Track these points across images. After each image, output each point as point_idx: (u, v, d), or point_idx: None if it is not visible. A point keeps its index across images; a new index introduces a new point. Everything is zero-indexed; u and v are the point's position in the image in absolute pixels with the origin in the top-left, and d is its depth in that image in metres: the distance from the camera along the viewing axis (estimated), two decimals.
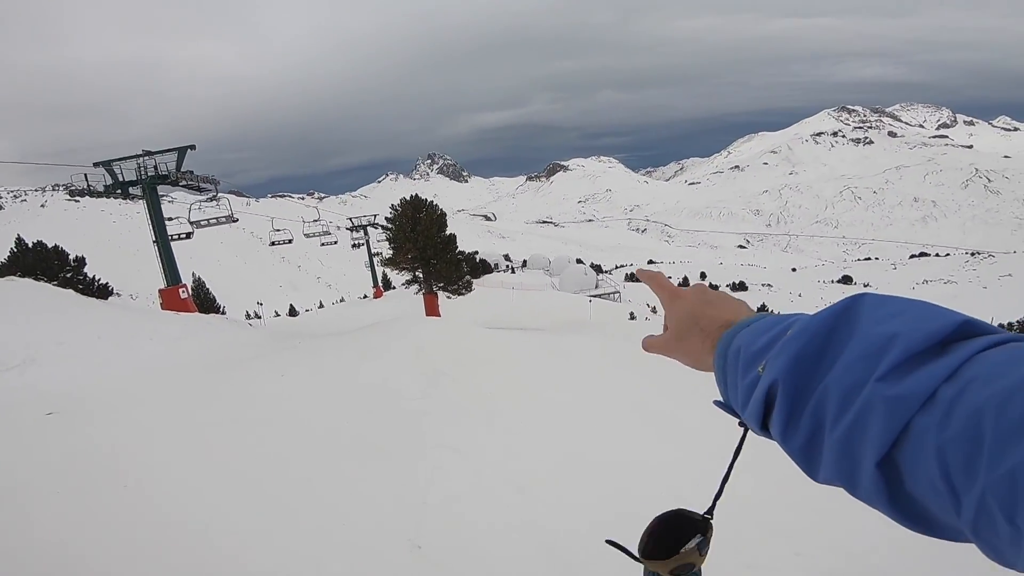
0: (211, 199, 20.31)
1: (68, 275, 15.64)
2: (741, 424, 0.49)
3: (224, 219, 20.29)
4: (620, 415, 5.70)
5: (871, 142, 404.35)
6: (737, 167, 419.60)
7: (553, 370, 7.61)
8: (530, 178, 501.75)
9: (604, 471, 4.22)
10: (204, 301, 26.53)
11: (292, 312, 44.30)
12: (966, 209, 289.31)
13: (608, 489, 3.95)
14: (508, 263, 72.99)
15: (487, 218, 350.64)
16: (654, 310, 40.86)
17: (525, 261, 74.09)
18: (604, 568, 3.07)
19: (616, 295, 46.89)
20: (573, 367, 8.08)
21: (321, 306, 49.21)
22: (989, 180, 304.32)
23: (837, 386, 0.35)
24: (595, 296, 40.78)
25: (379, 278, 38.49)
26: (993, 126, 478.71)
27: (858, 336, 0.36)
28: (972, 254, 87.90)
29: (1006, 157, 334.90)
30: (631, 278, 69.62)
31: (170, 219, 18.85)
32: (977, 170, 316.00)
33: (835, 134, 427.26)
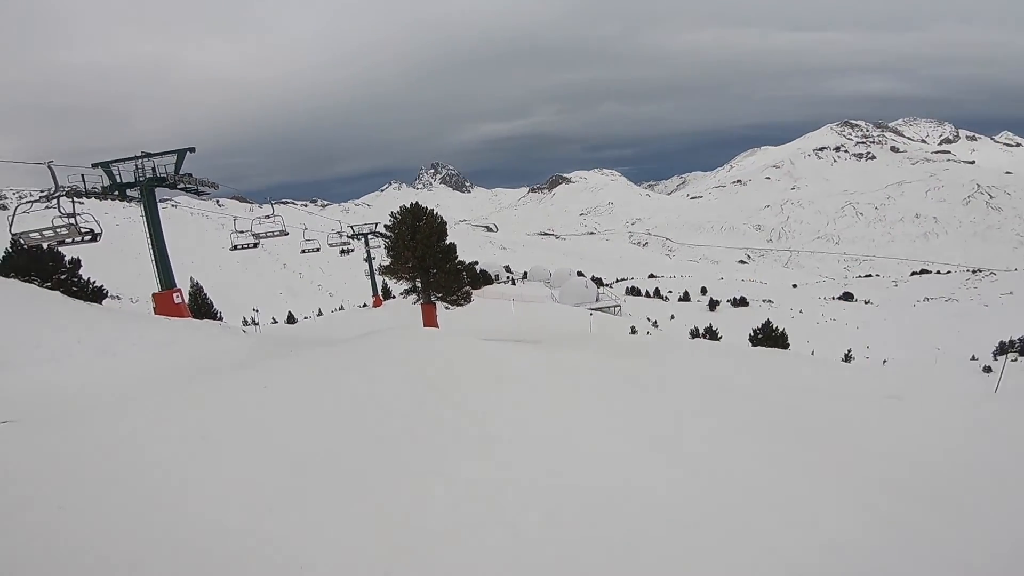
0: (268, 217, 22.15)
1: (62, 277, 15.43)
2: None
3: (278, 232, 21.95)
4: (623, 445, 5.33)
5: (873, 157, 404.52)
6: (739, 181, 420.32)
7: (554, 391, 7.32)
8: (532, 189, 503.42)
9: (609, 511, 3.79)
10: (201, 306, 26.31)
11: (290, 319, 44.06)
12: (967, 226, 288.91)
13: (614, 532, 3.51)
14: (509, 274, 72.71)
15: (488, 229, 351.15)
16: (655, 324, 40.59)
17: (526, 273, 73.82)
18: None
19: (617, 308, 46.59)
20: (575, 388, 7.80)
21: (320, 314, 48.95)
22: (991, 196, 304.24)
23: None
24: (596, 309, 40.58)
25: (379, 287, 38.30)
26: (995, 141, 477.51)
27: None
28: (973, 271, 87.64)
29: (1008, 173, 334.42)
30: (632, 291, 69.32)
31: (241, 232, 21.37)
32: (979, 186, 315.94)
33: (837, 149, 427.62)
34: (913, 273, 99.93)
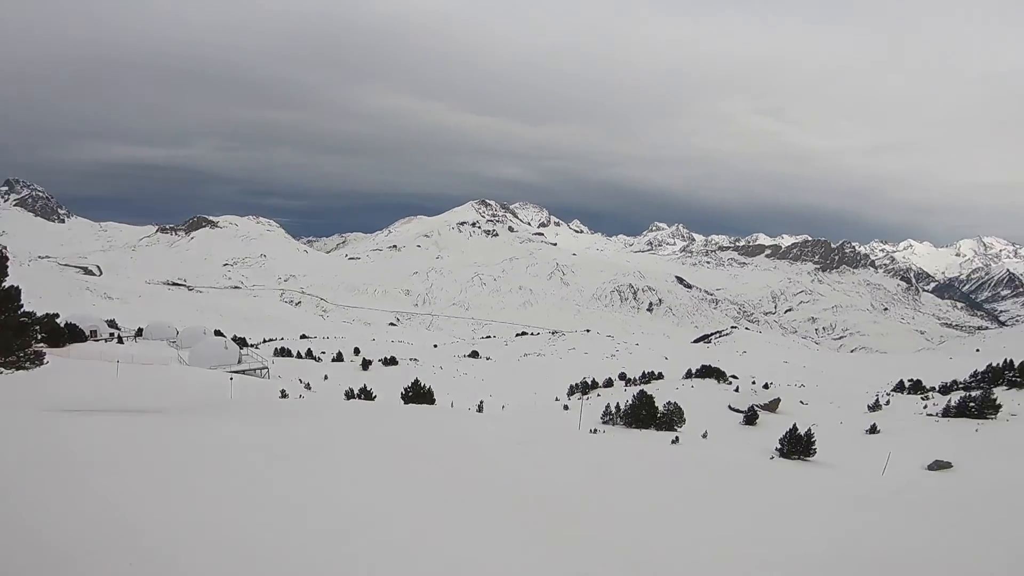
0: None
1: None
2: None
3: None
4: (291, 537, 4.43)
5: (496, 234, 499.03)
6: (395, 247, 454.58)
7: (162, 494, 5.56)
8: (163, 229, 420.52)
9: None
10: None
11: None
12: (550, 296, 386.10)
13: None
14: (114, 330, 57.34)
15: (88, 271, 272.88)
16: (308, 386, 38.45)
17: (141, 330, 59.74)
18: None
19: (264, 371, 42.33)
20: (203, 485, 6.27)
21: None
22: (564, 274, 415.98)
23: None
24: (238, 372, 35.95)
25: None
26: (570, 227, 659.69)
27: None
28: (553, 333, 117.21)
29: (574, 255, 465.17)
30: (282, 352, 64.41)
31: None
32: (558, 264, 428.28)
33: (474, 224, 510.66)
34: (517, 334, 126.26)
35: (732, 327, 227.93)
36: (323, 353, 67.83)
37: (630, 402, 29.20)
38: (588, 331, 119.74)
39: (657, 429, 27.42)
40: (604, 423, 29.29)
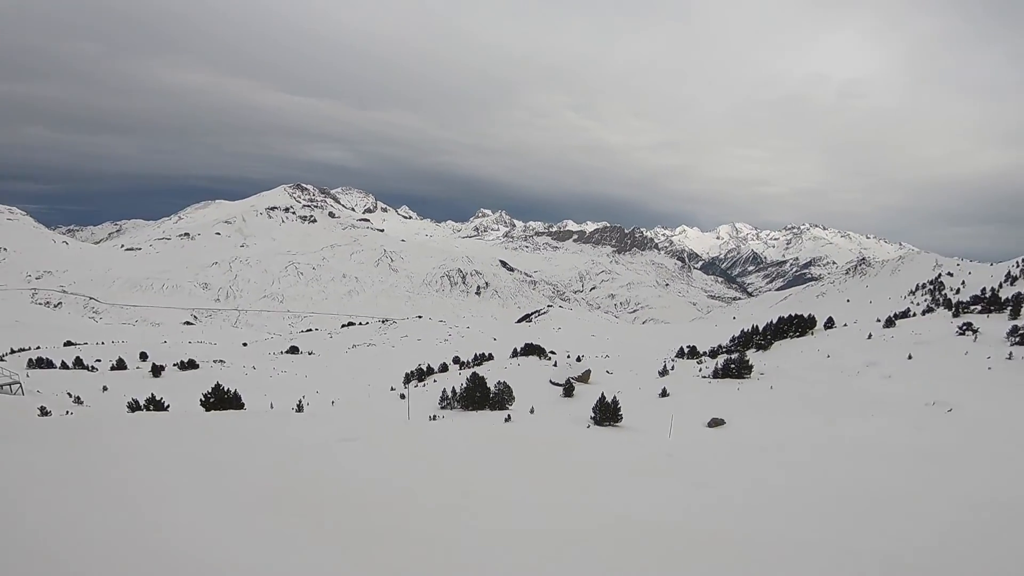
0: None
1: None
2: None
3: None
4: None
5: (315, 220, 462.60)
6: (187, 235, 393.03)
7: None
8: None
9: None
10: None
11: None
12: (377, 284, 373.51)
13: None
14: None
15: None
16: (78, 400, 31.59)
17: None
18: None
19: (15, 387, 33.57)
20: None
21: None
22: (392, 260, 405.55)
23: None
24: None
25: None
26: (398, 213, 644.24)
27: None
28: (383, 321, 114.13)
29: (402, 241, 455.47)
30: (40, 363, 51.73)
31: None
32: (385, 251, 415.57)
33: (287, 210, 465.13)
34: (343, 325, 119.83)
35: (548, 306, 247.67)
36: (98, 361, 56.20)
37: (464, 385, 29.92)
38: (420, 317, 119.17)
39: (491, 409, 28.59)
40: (442, 408, 29.59)
